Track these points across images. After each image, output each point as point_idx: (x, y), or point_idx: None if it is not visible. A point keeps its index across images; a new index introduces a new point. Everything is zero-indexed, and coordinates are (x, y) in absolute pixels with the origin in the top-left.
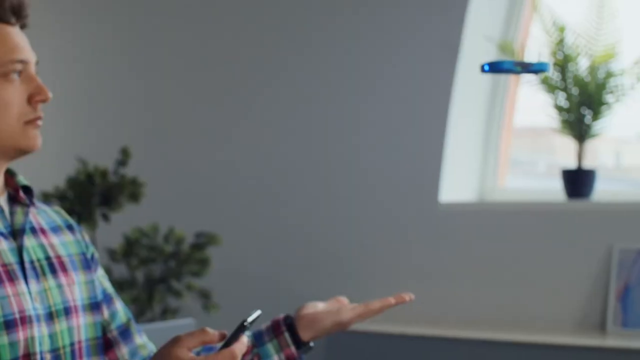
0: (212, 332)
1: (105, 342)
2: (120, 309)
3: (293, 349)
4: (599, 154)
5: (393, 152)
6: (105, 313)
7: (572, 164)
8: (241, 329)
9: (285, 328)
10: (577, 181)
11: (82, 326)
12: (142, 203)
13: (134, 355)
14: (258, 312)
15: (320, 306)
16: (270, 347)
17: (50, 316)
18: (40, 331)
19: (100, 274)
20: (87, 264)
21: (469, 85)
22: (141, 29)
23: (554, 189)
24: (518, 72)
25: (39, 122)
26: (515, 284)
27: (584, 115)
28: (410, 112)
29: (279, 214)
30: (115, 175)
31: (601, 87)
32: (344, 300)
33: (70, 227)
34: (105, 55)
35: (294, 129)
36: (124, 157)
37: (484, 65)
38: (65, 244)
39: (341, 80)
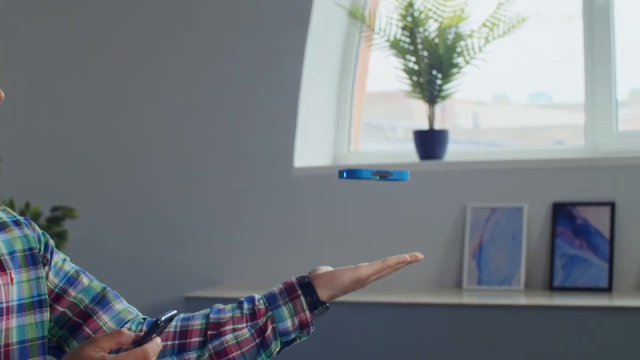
0: (128, 334)
1: (84, 315)
2: (91, 282)
3: (308, 313)
4: (457, 117)
5: (247, 118)
6: (73, 293)
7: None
8: (155, 328)
9: (301, 292)
10: (429, 142)
11: (14, 328)
12: None
13: (120, 321)
14: (174, 312)
15: (330, 268)
16: (284, 310)
17: None
18: None
19: (58, 260)
20: (34, 260)
21: (320, 51)
22: None
23: (410, 152)
24: (378, 179)
25: None
26: (371, 245)
27: (434, 78)
28: (263, 78)
29: (136, 186)
30: None
31: (450, 49)
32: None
33: (16, 223)
34: None
35: (148, 99)
36: None
37: (343, 172)
38: (8, 241)
39: (191, 47)
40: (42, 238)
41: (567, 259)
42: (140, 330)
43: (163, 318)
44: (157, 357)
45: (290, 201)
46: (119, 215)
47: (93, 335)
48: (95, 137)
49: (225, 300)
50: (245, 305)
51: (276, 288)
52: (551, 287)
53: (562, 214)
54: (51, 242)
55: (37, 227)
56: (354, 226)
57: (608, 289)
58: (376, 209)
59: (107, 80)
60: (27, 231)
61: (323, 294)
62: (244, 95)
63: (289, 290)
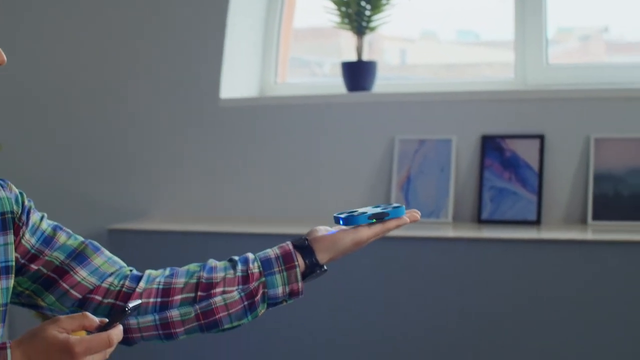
0: (92, 318)
1: (59, 271)
2: (68, 239)
3: (300, 284)
4: (384, 53)
5: (173, 49)
6: (49, 253)
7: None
8: (121, 315)
9: (300, 254)
10: (357, 74)
11: None
12: None
13: (101, 275)
14: (138, 301)
15: (328, 229)
16: (278, 278)
17: None
18: None
19: (36, 220)
20: (4, 225)
21: None
22: None
23: (338, 85)
24: (374, 222)
25: None
26: (300, 178)
27: (363, 9)
28: (190, 8)
29: (58, 118)
30: None
31: None
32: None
33: None
34: None
35: (66, 30)
36: None
37: (339, 219)
38: None
39: None
40: (19, 198)
41: (496, 192)
42: (124, 285)
43: (131, 306)
44: (139, 314)
45: (217, 132)
46: (40, 147)
47: (70, 290)
48: (15, 72)
49: (149, 233)
50: (239, 267)
51: (272, 252)
52: (479, 220)
53: (491, 147)
54: (28, 202)
55: (14, 187)
56: (280, 158)
57: (537, 222)
58: (303, 141)
59: (26, 18)
60: (3, 193)
61: (322, 257)
62: (170, 25)
63: (285, 258)
